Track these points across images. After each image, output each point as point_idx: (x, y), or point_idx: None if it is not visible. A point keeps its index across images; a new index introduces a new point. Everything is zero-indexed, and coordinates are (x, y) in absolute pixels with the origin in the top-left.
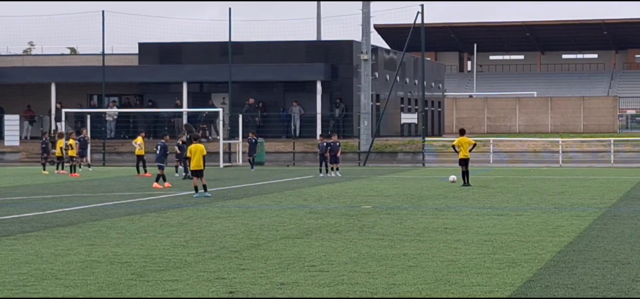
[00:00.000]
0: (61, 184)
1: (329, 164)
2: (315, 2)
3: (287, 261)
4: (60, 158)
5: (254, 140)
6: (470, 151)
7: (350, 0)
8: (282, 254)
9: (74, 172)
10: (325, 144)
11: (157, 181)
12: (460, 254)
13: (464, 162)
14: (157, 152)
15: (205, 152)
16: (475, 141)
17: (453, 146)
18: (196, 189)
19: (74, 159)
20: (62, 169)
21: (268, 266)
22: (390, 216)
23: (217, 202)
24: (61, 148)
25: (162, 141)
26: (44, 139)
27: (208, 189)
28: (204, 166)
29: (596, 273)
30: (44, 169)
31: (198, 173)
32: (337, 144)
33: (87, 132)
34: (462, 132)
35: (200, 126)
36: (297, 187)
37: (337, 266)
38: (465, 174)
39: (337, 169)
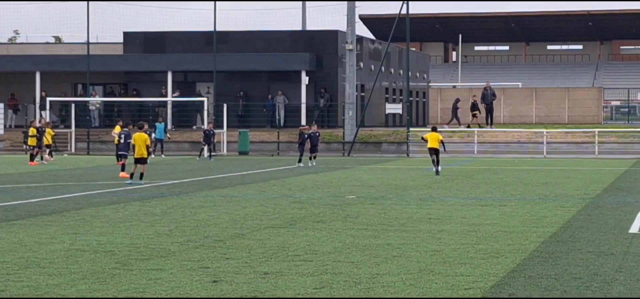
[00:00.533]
0: (45, 173)
1: (309, 154)
2: None
3: (271, 250)
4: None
5: (210, 131)
6: (440, 143)
7: None
8: (266, 244)
9: (33, 161)
10: (306, 135)
11: (123, 170)
12: (444, 244)
13: (433, 151)
14: (121, 141)
15: (148, 142)
16: (443, 139)
17: (422, 138)
18: (132, 176)
19: (34, 148)
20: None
21: (252, 256)
22: (375, 206)
23: (202, 191)
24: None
25: (126, 129)
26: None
27: (143, 179)
28: (148, 154)
29: (580, 263)
30: (42, 159)
31: (140, 161)
32: (317, 134)
33: (44, 120)
34: (434, 129)
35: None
36: (281, 177)
37: (321, 256)
38: (434, 162)
39: (315, 157)
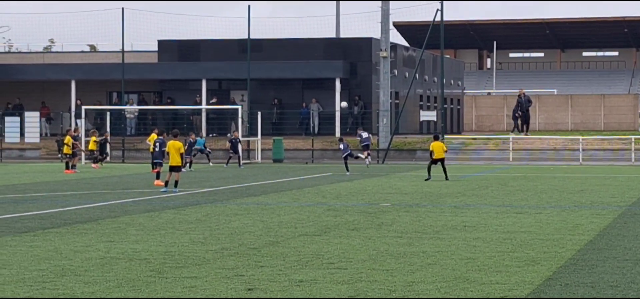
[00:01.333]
0: (80, 181)
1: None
2: (335, 0)
3: (306, 258)
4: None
5: (236, 139)
6: (444, 151)
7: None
8: (300, 252)
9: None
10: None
11: (157, 178)
12: (479, 252)
13: (437, 160)
14: (156, 149)
15: (182, 150)
16: (447, 148)
17: (430, 152)
18: (166, 184)
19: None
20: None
21: (286, 264)
22: (409, 214)
23: (236, 199)
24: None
25: (161, 137)
26: (76, 135)
27: (178, 187)
28: (182, 162)
29: (616, 271)
30: (74, 167)
31: (174, 169)
32: (368, 136)
33: (78, 130)
34: (436, 138)
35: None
36: (315, 184)
37: (356, 264)
38: (429, 169)
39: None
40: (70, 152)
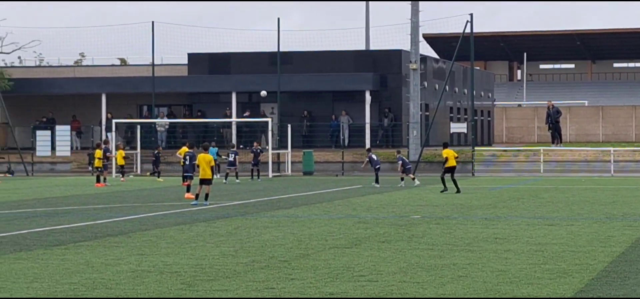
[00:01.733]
0: (111, 195)
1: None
2: (364, 12)
3: (336, 270)
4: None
5: (157, 152)
6: (456, 159)
7: (400, 0)
8: (331, 264)
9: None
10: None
11: (188, 191)
12: (511, 264)
13: (450, 169)
14: (186, 162)
15: (213, 163)
16: (457, 152)
17: (444, 161)
18: (197, 197)
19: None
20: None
21: (317, 276)
22: (440, 226)
23: (267, 212)
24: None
25: (191, 150)
26: (106, 147)
27: (208, 200)
28: (212, 175)
29: None
30: (105, 181)
31: (205, 181)
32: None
33: (122, 143)
34: (445, 146)
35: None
36: (346, 197)
37: (386, 276)
38: (443, 180)
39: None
40: (100, 165)
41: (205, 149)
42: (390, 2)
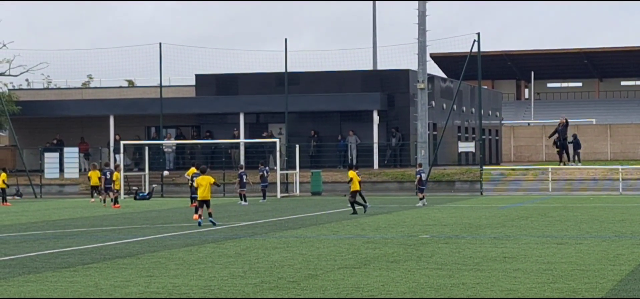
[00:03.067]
0: (120, 216)
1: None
2: (371, 32)
3: (346, 291)
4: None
5: (107, 171)
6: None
7: (410, 0)
8: (340, 284)
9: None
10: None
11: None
12: (520, 283)
13: (354, 194)
14: (193, 183)
15: (212, 181)
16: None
17: (349, 181)
18: (200, 216)
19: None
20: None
21: (326, 296)
22: (449, 245)
23: (275, 232)
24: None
25: (198, 172)
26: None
27: (213, 217)
28: (211, 195)
29: None
30: (104, 202)
31: (205, 202)
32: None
33: (112, 164)
34: (351, 167)
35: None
36: (354, 217)
37: (396, 296)
38: (353, 204)
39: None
40: (118, 187)
41: (203, 172)
42: (397, 19)
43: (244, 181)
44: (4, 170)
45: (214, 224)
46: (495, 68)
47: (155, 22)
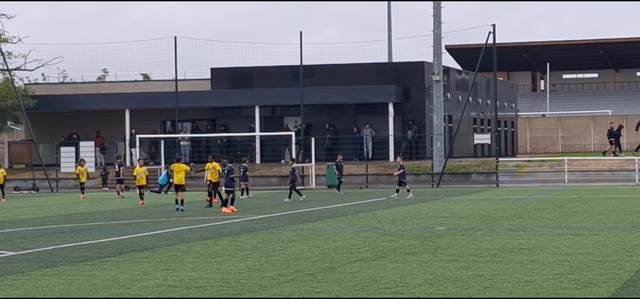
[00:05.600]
0: (136, 210)
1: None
2: (387, 25)
3: (362, 283)
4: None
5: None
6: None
7: None
8: (356, 277)
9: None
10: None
11: (224, 205)
12: (537, 274)
13: (178, 187)
14: (225, 177)
15: (188, 169)
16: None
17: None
18: (177, 201)
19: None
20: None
21: (343, 289)
22: (465, 237)
23: (291, 225)
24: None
25: (230, 164)
26: (118, 162)
27: (183, 204)
28: (185, 182)
29: None
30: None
31: (180, 188)
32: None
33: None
34: (178, 160)
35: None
36: (370, 209)
37: (412, 288)
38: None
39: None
40: (144, 182)
41: (178, 161)
42: (412, 12)
43: (247, 175)
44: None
45: (182, 210)
46: (510, 60)
47: (171, 16)
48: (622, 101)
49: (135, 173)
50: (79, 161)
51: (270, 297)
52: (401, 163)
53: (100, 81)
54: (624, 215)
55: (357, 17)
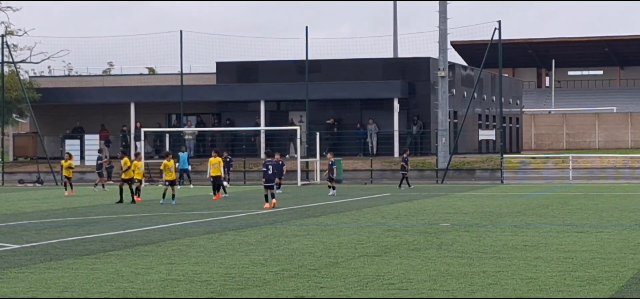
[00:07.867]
0: (140, 204)
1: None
2: (392, 20)
3: (366, 279)
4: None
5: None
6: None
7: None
8: (360, 272)
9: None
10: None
11: (266, 200)
12: (540, 271)
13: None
14: (269, 171)
15: (170, 164)
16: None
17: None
18: (164, 196)
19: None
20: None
21: (347, 284)
22: (469, 234)
23: (296, 220)
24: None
25: (270, 159)
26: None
27: (175, 199)
28: (176, 177)
29: None
30: (104, 187)
31: (172, 183)
32: (281, 163)
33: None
34: (167, 156)
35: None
36: (374, 204)
37: (416, 284)
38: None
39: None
40: (140, 177)
41: (166, 157)
42: (418, 8)
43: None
44: None
45: (172, 203)
46: (516, 56)
47: (177, 9)
48: (627, 98)
49: (133, 167)
50: (65, 155)
51: (273, 292)
52: (405, 156)
53: (105, 74)
54: (629, 213)
55: (364, 13)
